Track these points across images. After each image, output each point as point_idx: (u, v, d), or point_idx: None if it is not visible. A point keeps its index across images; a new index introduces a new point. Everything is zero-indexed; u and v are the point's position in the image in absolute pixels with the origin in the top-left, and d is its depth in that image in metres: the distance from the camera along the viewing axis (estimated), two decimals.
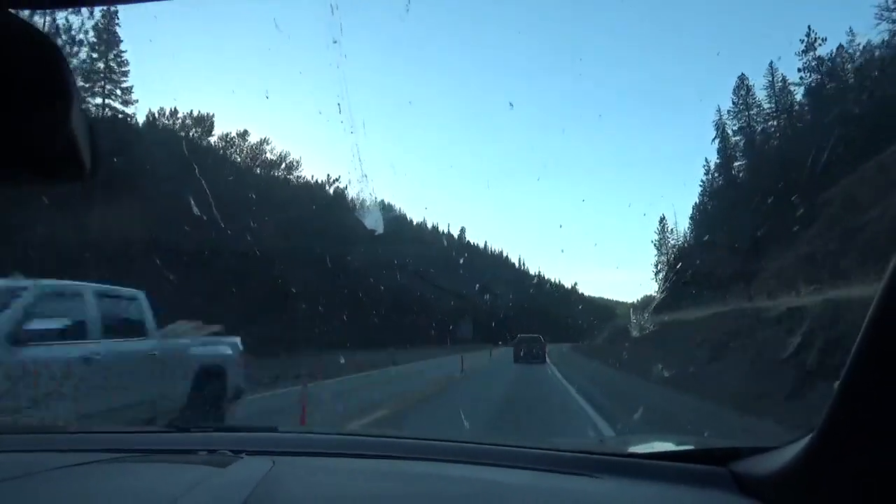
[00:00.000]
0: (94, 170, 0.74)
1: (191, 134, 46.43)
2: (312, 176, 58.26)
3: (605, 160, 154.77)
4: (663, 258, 64.03)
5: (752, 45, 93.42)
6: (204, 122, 48.73)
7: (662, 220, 68.24)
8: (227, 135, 50.81)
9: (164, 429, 2.19)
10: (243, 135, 51.55)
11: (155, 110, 46.19)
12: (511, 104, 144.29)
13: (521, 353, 30.66)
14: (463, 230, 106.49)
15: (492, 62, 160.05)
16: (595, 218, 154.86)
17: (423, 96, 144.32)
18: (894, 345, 0.82)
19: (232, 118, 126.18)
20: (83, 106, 0.72)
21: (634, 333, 29.78)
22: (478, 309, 61.03)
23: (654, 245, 67.22)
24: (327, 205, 51.58)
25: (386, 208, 64.51)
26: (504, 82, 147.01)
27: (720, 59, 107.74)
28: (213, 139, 49.00)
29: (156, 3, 0.86)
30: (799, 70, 49.81)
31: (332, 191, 59.25)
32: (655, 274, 63.10)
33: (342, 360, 18.54)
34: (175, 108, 47.16)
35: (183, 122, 47.58)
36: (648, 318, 30.51)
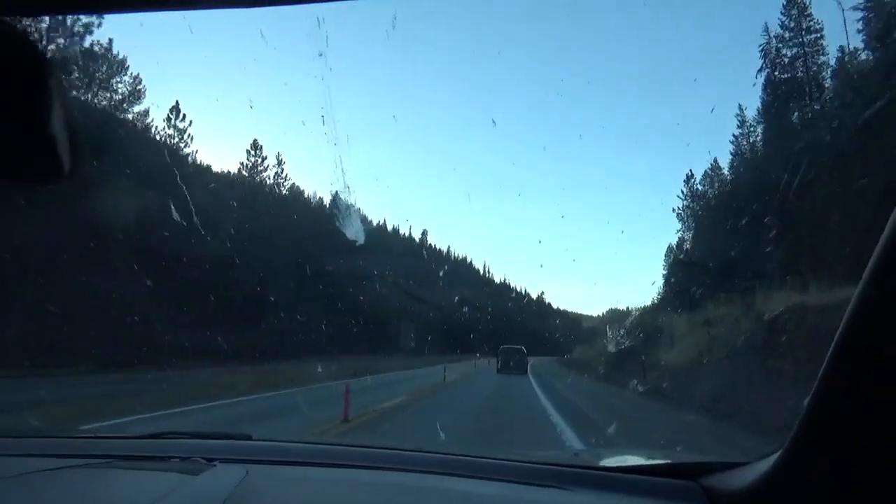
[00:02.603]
0: (73, 171, 0.73)
1: None
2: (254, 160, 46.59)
3: (585, 178, 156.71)
4: (688, 234, 49.77)
5: None
6: None
7: (689, 178, 50.95)
8: None
9: (137, 434, 2.11)
10: None
11: None
12: (494, 122, 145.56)
13: (504, 364, 31.19)
14: (425, 231, 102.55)
15: (475, 81, 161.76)
16: (570, 234, 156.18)
17: (407, 111, 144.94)
18: (861, 367, 0.84)
19: (215, 126, 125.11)
20: (65, 105, 0.71)
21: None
22: (454, 320, 60.48)
23: (677, 215, 52.07)
24: (307, 213, 50.77)
25: (365, 221, 64.02)
26: (487, 101, 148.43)
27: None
28: None
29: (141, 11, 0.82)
30: None
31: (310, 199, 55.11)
32: (676, 254, 51.09)
33: (319, 369, 18.52)
34: None
35: None
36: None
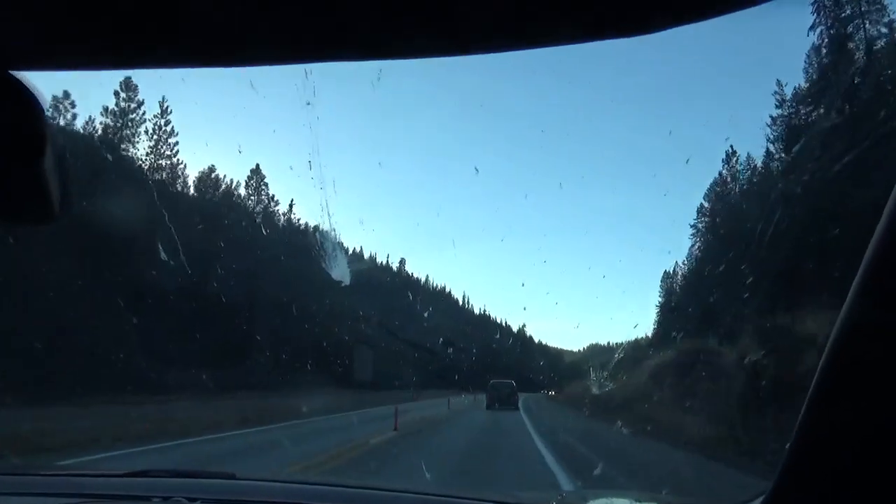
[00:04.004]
0: (63, 212, 0.72)
1: None
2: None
3: (566, 225, 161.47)
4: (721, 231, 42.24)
5: None
6: None
7: (729, 156, 41.52)
8: None
9: (119, 472, 2.06)
10: None
11: None
12: (476, 169, 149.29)
13: (494, 399, 29.76)
14: (404, 261, 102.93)
15: (458, 131, 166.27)
16: (553, 277, 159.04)
17: (392, 158, 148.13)
18: (839, 414, 0.82)
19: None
20: (58, 146, 0.71)
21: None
22: (435, 355, 59.65)
23: (705, 200, 45.62)
24: (294, 252, 50.50)
25: (356, 259, 63.88)
26: (470, 150, 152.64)
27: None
28: None
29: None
30: None
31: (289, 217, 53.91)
32: (671, 281, 50.60)
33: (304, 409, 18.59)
34: None
35: None
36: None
